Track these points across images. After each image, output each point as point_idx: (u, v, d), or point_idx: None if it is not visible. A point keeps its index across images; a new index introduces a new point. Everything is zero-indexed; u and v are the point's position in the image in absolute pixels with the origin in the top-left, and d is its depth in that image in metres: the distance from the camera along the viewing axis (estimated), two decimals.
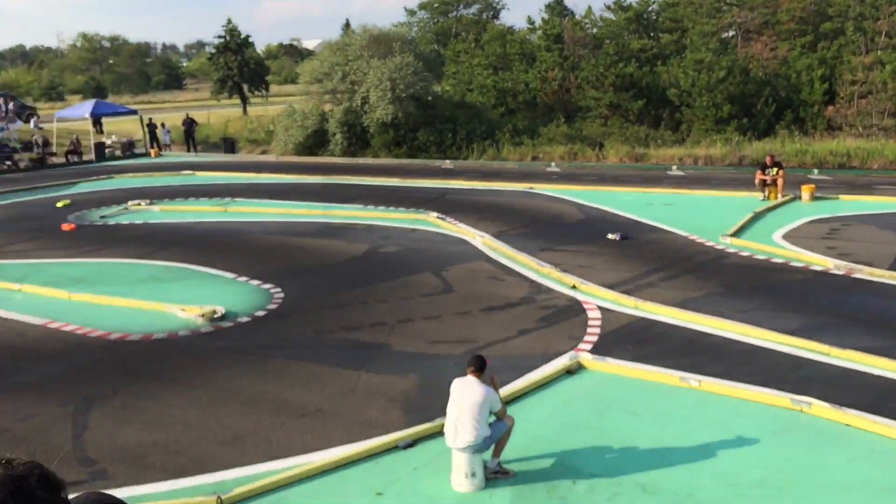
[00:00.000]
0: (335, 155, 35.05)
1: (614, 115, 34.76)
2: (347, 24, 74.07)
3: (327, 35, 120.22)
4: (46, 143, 37.50)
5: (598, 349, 10.69)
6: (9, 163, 34.57)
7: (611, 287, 13.40)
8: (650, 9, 45.03)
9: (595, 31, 45.48)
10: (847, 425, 8.20)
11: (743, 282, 13.70)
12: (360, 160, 34.00)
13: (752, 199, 20.51)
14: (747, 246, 15.86)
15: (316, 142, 36.08)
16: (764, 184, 20.85)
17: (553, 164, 30.70)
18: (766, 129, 32.22)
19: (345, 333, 11.82)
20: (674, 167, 28.28)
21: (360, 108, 35.03)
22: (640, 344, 10.89)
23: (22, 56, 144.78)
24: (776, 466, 7.47)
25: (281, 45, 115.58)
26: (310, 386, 9.85)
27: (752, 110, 32.60)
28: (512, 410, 8.24)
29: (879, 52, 32.85)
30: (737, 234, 16.83)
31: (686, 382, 9.35)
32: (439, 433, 7.95)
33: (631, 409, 8.86)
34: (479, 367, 7.48)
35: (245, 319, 12.62)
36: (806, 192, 20.60)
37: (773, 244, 16.01)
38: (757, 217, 18.60)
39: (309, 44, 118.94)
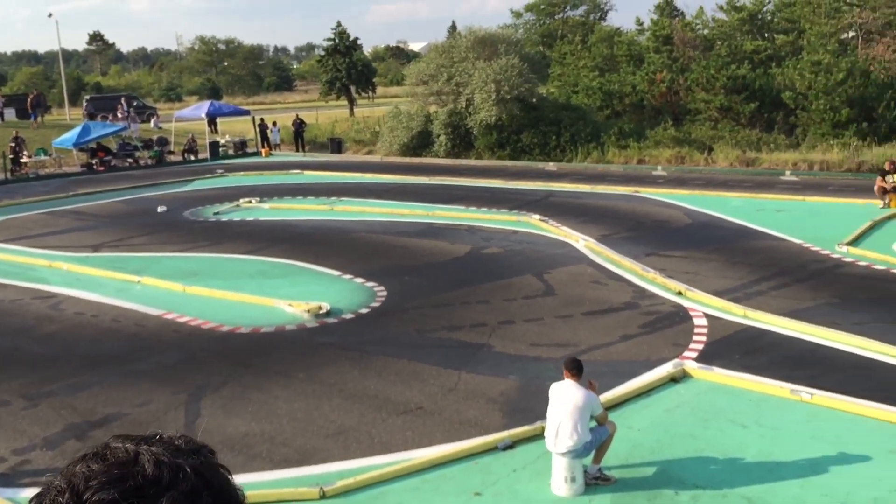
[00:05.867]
0: (439, 156, 35.35)
1: (725, 119, 33.80)
2: (453, 27, 74.65)
3: (434, 37, 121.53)
4: (165, 142, 39.22)
5: (703, 357, 10.43)
6: (130, 160, 36.32)
7: (718, 294, 13.05)
8: (765, 9, 43.61)
9: (706, 32, 44.37)
10: None
11: (860, 293, 13.11)
12: (464, 161, 34.19)
13: (871, 207, 19.58)
14: (865, 255, 15.16)
15: (420, 143, 36.50)
16: (884, 191, 19.87)
17: (659, 167, 30.12)
18: (888, 134, 30.66)
19: (446, 333, 11.92)
20: (787, 172, 27.30)
21: (465, 110, 35.23)
22: (748, 354, 10.57)
23: (144, 58, 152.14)
24: (891, 486, 7.12)
25: (388, 48, 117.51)
26: (411, 384, 9.98)
27: (872, 114, 31.09)
28: (613, 417, 8.14)
29: None
30: (854, 242, 16.11)
31: (797, 395, 9.02)
32: (539, 436, 7.93)
33: (738, 420, 8.61)
34: (577, 370, 7.42)
35: (349, 316, 12.88)
36: None
37: (894, 254, 15.25)
38: (876, 225, 17.76)
39: (415, 46, 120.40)
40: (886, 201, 19.79)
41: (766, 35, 42.50)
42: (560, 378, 7.68)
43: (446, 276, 15.22)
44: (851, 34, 38.92)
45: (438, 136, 35.69)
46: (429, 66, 37.59)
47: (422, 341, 11.65)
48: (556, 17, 68.13)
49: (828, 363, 10.13)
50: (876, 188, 20.17)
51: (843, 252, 15.50)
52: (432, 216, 21.11)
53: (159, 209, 22.69)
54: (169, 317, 13.11)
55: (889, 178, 19.94)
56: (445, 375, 10.20)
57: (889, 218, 18.61)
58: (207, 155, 37.62)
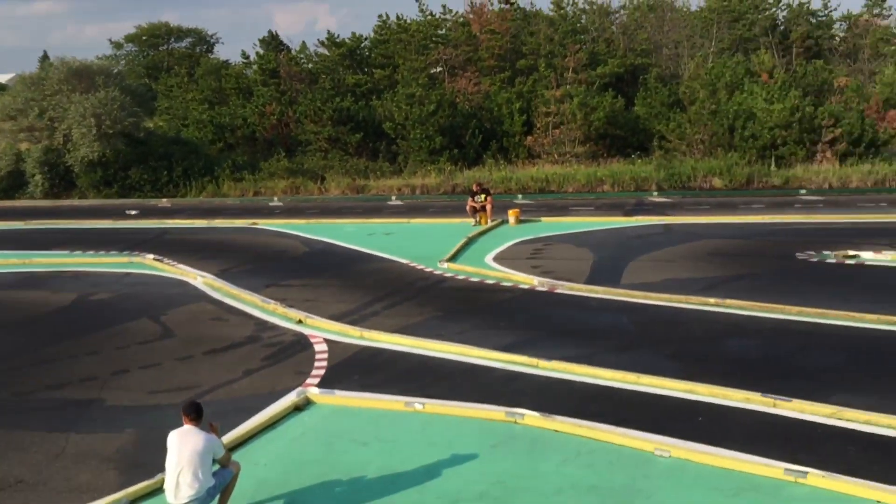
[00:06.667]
0: (35, 197, 32.29)
1: (334, 149, 35.28)
2: (45, 57, 68.69)
3: (22, 68, 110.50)
4: None
5: (325, 382, 10.68)
6: None
7: (336, 319, 13.50)
8: (363, 45, 46.32)
9: (311, 66, 45.94)
10: (556, 431, 8.86)
11: (460, 304, 14.41)
12: (66, 202, 31.58)
13: (466, 225, 21.72)
14: (462, 270, 16.73)
15: (11, 184, 33.07)
16: (474, 210, 22.19)
17: (276, 198, 30.49)
18: (475, 159, 34.36)
19: (50, 392, 10.81)
20: (394, 197, 29.25)
21: (63, 146, 32.57)
22: (366, 373, 11.04)
23: None
24: (494, 478, 7.88)
25: None
26: (8, 455, 8.87)
27: (461, 141, 34.60)
28: (239, 455, 8.01)
29: (568, 87, 36.33)
30: (453, 258, 17.71)
31: (411, 407, 9.62)
32: (160, 489, 7.50)
33: (359, 439, 8.93)
34: (196, 413, 7.17)
35: None
36: (512, 216, 22.22)
37: (486, 266, 17.04)
38: (470, 242, 19.72)
39: (1, 77, 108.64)
40: (477, 219, 22.09)
41: (366, 69, 45.14)
42: (181, 425, 7.34)
43: (49, 329, 13.86)
44: (439, 69, 42.88)
45: (33, 175, 32.62)
46: (16, 100, 34.31)
47: (20, 405, 10.43)
48: (161, 48, 65.91)
49: (437, 372, 10.95)
50: (468, 208, 22.42)
51: (445, 268, 16.96)
52: (30, 264, 19.17)
53: None
54: None
55: (478, 199, 22.28)
56: (51, 440, 9.24)
57: (480, 234, 20.78)
58: None
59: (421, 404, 9.62)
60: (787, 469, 7.55)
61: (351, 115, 35.68)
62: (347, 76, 43.17)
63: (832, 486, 7.28)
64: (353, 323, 13.23)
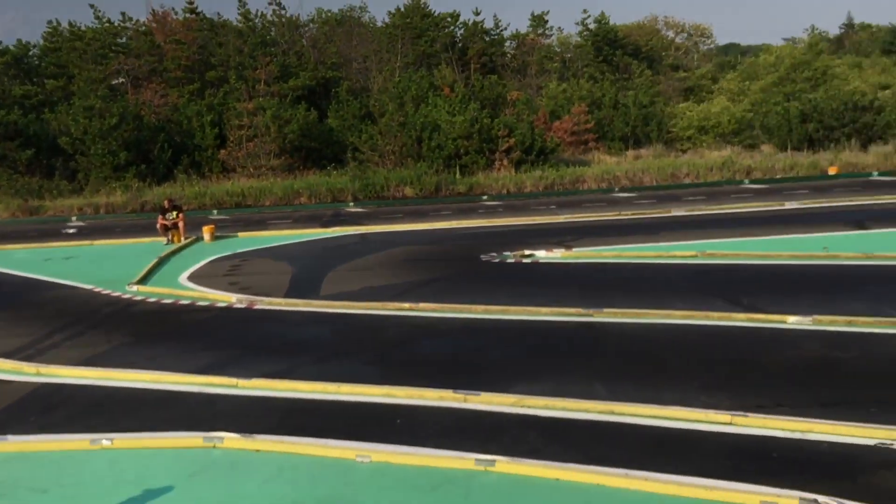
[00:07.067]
0: None
1: (1, 167, 31.86)
2: None
3: None
4: None
5: None
6: None
7: (7, 356, 12.18)
8: (31, 53, 42.38)
9: None
10: (257, 451, 8.66)
11: (152, 328, 13.65)
12: None
13: (157, 244, 20.66)
14: (154, 292, 15.88)
15: None
16: (166, 228, 21.17)
17: None
18: (166, 174, 32.84)
19: None
20: (73, 218, 27.04)
21: None
22: (45, 413, 10.05)
23: None
24: None
25: None
26: None
27: (149, 156, 32.88)
28: None
29: (261, 99, 35.96)
30: (143, 280, 16.76)
31: (97, 444, 8.90)
32: None
33: (37, 486, 8.08)
34: None
35: None
36: (207, 232, 21.51)
37: (180, 286, 16.31)
38: (162, 262, 18.78)
39: None
40: (169, 238, 21.10)
41: (36, 80, 41.33)
42: None
43: None
44: (121, 80, 40.42)
45: None
46: None
47: None
48: None
49: (127, 404, 10.24)
50: (158, 226, 21.34)
51: (134, 291, 15.98)
52: None
53: None
54: None
55: (169, 216, 21.28)
56: None
57: (173, 253, 19.86)
58: None
59: (108, 440, 8.93)
60: (477, 459, 8.02)
61: (20, 129, 32.46)
62: (14, 87, 39.25)
63: (518, 470, 7.84)
64: (27, 359, 12.01)
